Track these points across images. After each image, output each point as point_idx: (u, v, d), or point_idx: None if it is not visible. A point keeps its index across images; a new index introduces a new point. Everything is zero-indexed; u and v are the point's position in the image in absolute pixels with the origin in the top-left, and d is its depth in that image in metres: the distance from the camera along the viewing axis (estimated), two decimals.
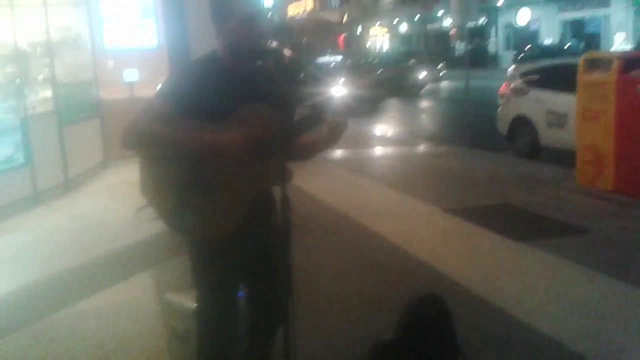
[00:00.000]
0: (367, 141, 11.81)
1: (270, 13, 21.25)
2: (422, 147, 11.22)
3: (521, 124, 9.40)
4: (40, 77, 7.45)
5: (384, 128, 14.12)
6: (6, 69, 6.89)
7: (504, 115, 9.93)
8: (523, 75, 9.83)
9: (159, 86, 2.23)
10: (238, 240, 2.18)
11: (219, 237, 2.15)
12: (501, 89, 10.29)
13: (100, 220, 6.13)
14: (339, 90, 12.24)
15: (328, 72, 19.82)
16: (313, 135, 2.31)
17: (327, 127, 2.24)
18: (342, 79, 18.06)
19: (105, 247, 5.22)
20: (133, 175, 6.24)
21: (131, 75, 8.67)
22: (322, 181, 7.70)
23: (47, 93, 7.23)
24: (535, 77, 9.36)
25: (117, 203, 6.57)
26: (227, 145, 2.02)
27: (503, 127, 9.94)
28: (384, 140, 12.20)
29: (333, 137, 2.26)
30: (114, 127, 8.21)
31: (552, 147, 8.84)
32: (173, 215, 2.14)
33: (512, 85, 9.83)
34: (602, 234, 5.46)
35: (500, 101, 10.19)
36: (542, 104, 8.82)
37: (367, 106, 17.78)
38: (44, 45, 7.41)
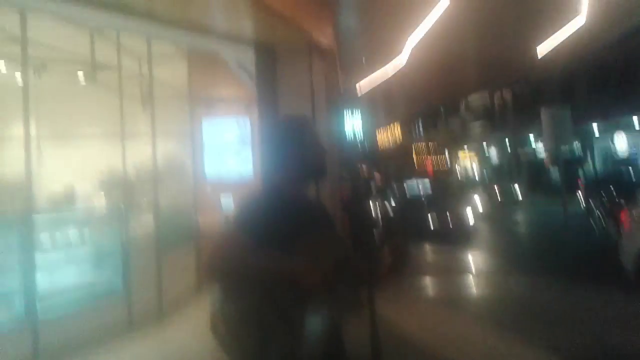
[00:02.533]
0: (455, 268, 11.38)
1: (360, 140, 21.72)
2: (512, 276, 10.59)
3: None
4: (144, 203, 7.88)
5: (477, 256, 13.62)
6: (113, 194, 7.35)
7: (629, 248, 8.84)
8: None
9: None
10: None
11: None
12: (621, 216, 9.47)
13: (196, 347, 6.08)
14: (427, 214, 12.05)
15: (416, 197, 19.57)
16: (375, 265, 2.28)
17: (388, 254, 2.22)
18: (430, 204, 17.90)
19: None
20: None
21: (227, 204, 9.00)
22: (409, 314, 7.37)
23: (149, 219, 7.58)
24: None
25: (209, 330, 6.53)
26: (305, 275, 1.99)
27: (628, 261, 8.81)
28: (474, 270, 11.71)
29: (395, 266, 2.23)
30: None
31: None
32: (254, 353, 2.06)
33: (637, 214, 8.91)
34: None
35: (621, 231, 9.28)
36: None
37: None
38: (149, 172, 7.91)
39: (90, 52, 7.46)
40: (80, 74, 7.98)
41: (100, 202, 8.57)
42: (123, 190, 7.35)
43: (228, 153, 9.66)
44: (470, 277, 10.83)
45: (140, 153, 8.25)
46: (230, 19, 6.97)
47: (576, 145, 31.76)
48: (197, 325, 6.89)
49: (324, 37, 7.90)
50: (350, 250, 2.26)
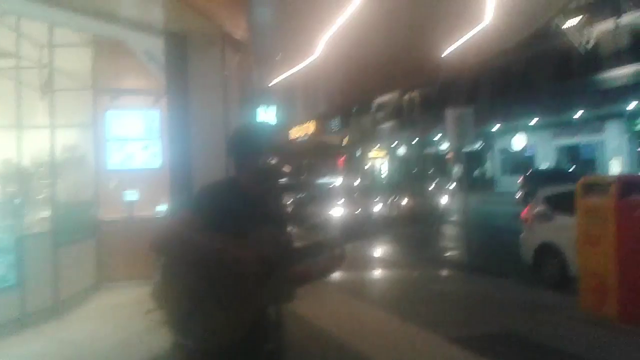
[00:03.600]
0: (367, 264, 11.67)
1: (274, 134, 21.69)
2: (423, 271, 11.03)
3: (547, 252, 8.90)
4: (40, 196, 7.50)
5: (386, 250, 14.01)
6: (7, 188, 6.94)
7: (528, 243, 9.46)
8: (547, 199, 9.47)
9: (163, 206, 2.49)
10: (236, 356, 2.30)
11: (222, 345, 2.26)
12: (523, 213, 9.96)
13: (90, 344, 5.88)
14: (338, 211, 12.38)
15: (327, 194, 19.94)
16: (311, 264, 2.49)
17: (325, 260, 2.45)
18: (342, 200, 18.26)
19: None
20: (126, 298, 6.06)
21: (131, 195, 8.73)
22: (318, 305, 7.50)
23: (46, 213, 7.23)
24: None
25: (108, 327, 6.35)
26: (245, 261, 2.22)
27: (527, 255, 9.43)
28: (387, 263, 12.05)
29: (329, 270, 2.49)
30: (110, 248, 8.22)
31: None
32: (182, 319, 2.27)
33: (535, 210, 9.47)
34: None
35: (523, 227, 9.77)
36: (570, 230, 7.67)
37: (372, 228, 17.84)
38: (47, 165, 7.52)
39: None
40: None
41: None
42: (19, 183, 6.95)
43: (134, 146, 9.36)
44: (379, 271, 11.14)
45: (38, 145, 7.84)
46: (139, 7, 6.72)
47: (479, 144, 33.36)
48: (93, 322, 6.68)
49: (238, 30, 7.80)
50: (294, 248, 2.46)
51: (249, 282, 2.24)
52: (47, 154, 7.49)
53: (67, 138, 8.39)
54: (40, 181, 7.62)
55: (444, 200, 21.77)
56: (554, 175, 23.73)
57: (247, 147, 2.49)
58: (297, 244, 2.52)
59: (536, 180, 20.99)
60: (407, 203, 20.61)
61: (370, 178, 38.68)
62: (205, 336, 2.26)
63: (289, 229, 2.62)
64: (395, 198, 21.31)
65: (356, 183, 27.54)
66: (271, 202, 2.55)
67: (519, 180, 25.06)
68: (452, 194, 23.74)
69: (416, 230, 17.03)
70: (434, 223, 18.84)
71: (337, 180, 27.20)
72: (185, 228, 2.29)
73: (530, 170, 26.55)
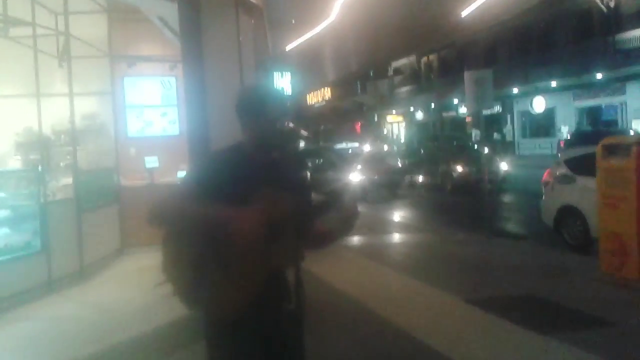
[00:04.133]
0: (385, 227, 11.73)
1: (290, 100, 21.57)
2: (441, 234, 11.05)
3: (569, 214, 8.87)
4: (62, 164, 7.60)
5: (403, 214, 14.05)
6: (30, 155, 7.04)
7: (549, 206, 9.40)
8: (568, 162, 9.38)
9: (183, 172, 2.44)
10: (251, 322, 2.28)
11: (232, 313, 2.25)
12: (544, 176, 9.89)
13: (115, 308, 6.02)
14: (356, 176, 12.35)
15: (346, 159, 19.49)
16: (327, 224, 2.43)
17: (340, 216, 2.37)
18: (359, 166, 18.20)
19: (121, 336, 5.10)
20: (149, 262, 6.15)
21: (152, 162, 8.81)
22: (338, 268, 7.58)
23: (68, 180, 7.34)
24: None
25: (132, 290, 6.48)
26: (243, 224, 2.15)
27: (548, 218, 9.39)
28: (403, 227, 12.10)
29: (346, 226, 2.39)
30: (132, 214, 8.35)
31: None
32: (189, 290, 2.26)
33: (557, 173, 9.38)
34: (626, 326, 5.24)
35: (543, 190, 9.72)
36: (591, 192, 7.63)
37: (385, 192, 17.97)
38: (68, 133, 7.60)
39: (1, 7, 7.01)
40: None
41: (16, 163, 8.21)
42: (40, 151, 7.05)
43: (153, 113, 9.41)
44: (399, 234, 11.18)
45: (58, 113, 7.91)
46: None
47: (498, 107, 32.92)
48: (117, 286, 6.82)
49: None
50: (307, 210, 2.39)
51: (253, 246, 2.19)
52: (67, 121, 7.56)
53: (86, 106, 8.45)
54: (62, 148, 7.71)
55: (503, 166, 19.07)
56: (595, 138, 23.05)
57: (251, 109, 2.41)
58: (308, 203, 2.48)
59: (578, 143, 19.75)
60: (462, 171, 18.62)
61: (390, 143, 38.43)
62: (214, 306, 2.25)
63: (308, 193, 2.54)
64: (443, 167, 19.43)
65: (377, 149, 27.25)
66: (283, 166, 2.46)
67: (561, 143, 24.16)
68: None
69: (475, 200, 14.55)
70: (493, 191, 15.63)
71: (356, 146, 26.95)
72: (183, 198, 2.26)
73: (571, 133, 25.55)
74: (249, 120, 2.41)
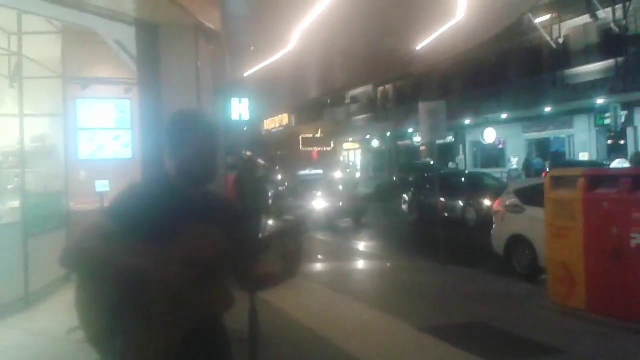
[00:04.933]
0: (341, 254, 11.73)
1: (245, 127, 21.53)
2: (396, 262, 11.13)
3: (518, 243, 9.05)
4: (10, 186, 7.37)
5: (361, 242, 14.09)
6: None
7: (499, 234, 9.58)
8: (517, 192, 9.59)
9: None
10: None
11: None
12: (494, 205, 10.08)
13: (61, 336, 5.80)
14: (318, 203, 12.07)
15: (310, 186, 19.39)
16: (268, 265, 2.27)
17: (283, 257, 2.20)
18: (320, 193, 18.12)
19: None
20: None
21: (103, 185, 8.63)
22: (291, 295, 7.52)
23: (15, 203, 7.11)
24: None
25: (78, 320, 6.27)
26: (162, 275, 1.96)
27: (498, 246, 9.57)
28: (359, 254, 12.13)
29: (289, 269, 2.22)
30: None
31: None
32: (102, 338, 2.04)
33: (507, 202, 9.57)
34: (575, 354, 5.36)
35: (494, 219, 9.89)
36: (540, 222, 7.74)
37: (350, 219, 17.98)
38: (16, 155, 7.39)
39: None
40: None
41: None
42: None
43: (104, 136, 9.24)
44: (353, 261, 11.20)
45: (7, 134, 7.69)
46: None
47: (451, 137, 33.66)
48: (63, 315, 6.58)
49: (211, 20, 7.73)
50: (244, 248, 2.22)
51: (177, 290, 1.98)
52: (16, 142, 7.35)
53: (36, 127, 8.26)
54: (9, 170, 7.48)
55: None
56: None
57: (180, 135, 2.17)
58: (250, 239, 2.27)
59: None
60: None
61: (348, 169, 38.74)
62: (131, 356, 2.01)
63: (244, 230, 2.33)
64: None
65: (341, 176, 27.32)
66: (214, 200, 2.25)
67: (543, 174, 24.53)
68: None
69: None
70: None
71: (320, 172, 26.92)
72: (98, 239, 1.99)
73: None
74: (177, 148, 2.17)
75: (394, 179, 23.52)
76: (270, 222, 8.65)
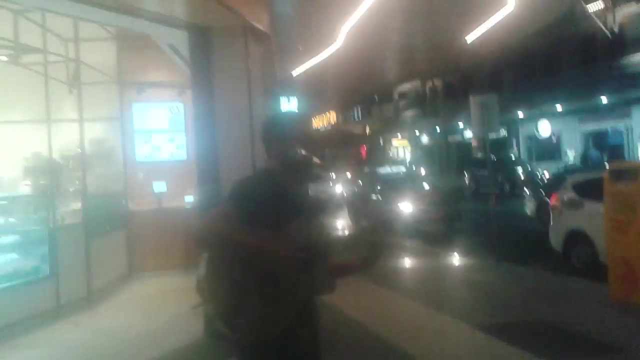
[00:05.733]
0: (397, 252, 11.65)
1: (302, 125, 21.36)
2: (453, 260, 10.97)
3: (577, 239, 8.81)
4: (72, 189, 7.66)
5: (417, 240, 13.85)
6: (39, 180, 7.10)
7: (557, 230, 9.33)
8: (575, 186, 9.34)
9: (190, 197, 2.42)
10: (279, 346, 2.32)
11: (268, 337, 2.29)
12: (552, 201, 9.84)
13: (124, 333, 6.01)
14: (406, 206, 11.09)
15: (394, 186, 16.34)
16: (351, 256, 2.49)
17: (365, 249, 2.41)
18: (406, 193, 15.36)
19: None
20: (157, 287, 6.17)
21: (160, 186, 8.86)
22: (350, 295, 7.53)
23: (77, 205, 7.39)
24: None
25: (141, 316, 6.48)
26: (284, 255, 2.23)
27: (557, 242, 9.33)
28: (416, 252, 12.01)
29: (369, 261, 2.44)
30: (140, 239, 8.38)
31: None
32: (228, 314, 2.30)
33: (565, 198, 9.32)
34: (637, 353, 5.18)
35: (551, 215, 9.63)
36: (600, 217, 7.48)
37: (441, 226, 15.05)
38: (76, 158, 7.67)
39: (13, 34, 7.14)
40: (2, 57, 7.62)
41: (26, 189, 8.28)
42: (49, 177, 7.11)
43: (160, 138, 9.48)
44: (409, 260, 11.12)
45: (67, 138, 7.99)
46: (162, 0, 6.80)
47: (504, 131, 32.96)
48: (125, 312, 6.81)
49: (260, 22, 7.83)
50: (334, 239, 2.42)
51: (290, 275, 2.25)
52: (76, 146, 7.64)
53: (94, 131, 8.55)
54: (70, 174, 7.78)
55: None
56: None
57: (281, 136, 2.45)
58: (338, 235, 2.49)
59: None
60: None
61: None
62: (251, 330, 2.27)
63: (323, 219, 2.56)
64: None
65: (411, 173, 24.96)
66: (305, 192, 2.52)
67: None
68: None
69: None
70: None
71: (401, 170, 24.56)
72: (227, 223, 2.26)
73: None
74: (277, 148, 2.44)
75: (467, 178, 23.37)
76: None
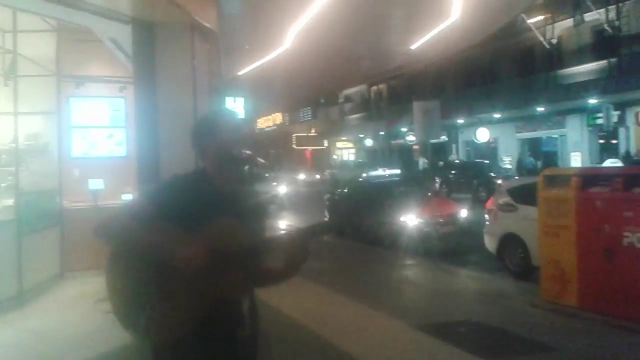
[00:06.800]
0: (336, 252, 11.73)
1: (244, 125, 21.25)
2: (393, 260, 11.12)
3: (511, 242, 9.06)
4: (4, 184, 7.35)
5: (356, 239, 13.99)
6: None
7: (492, 233, 9.61)
8: (510, 191, 9.63)
9: (128, 195, 2.34)
10: (196, 349, 2.21)
11: (169, 339, 2.19)
12: (487, 204, 10.14)
13: (55, 334, 5.82)
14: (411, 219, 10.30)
15: (386, 193, 14.02)
16: (275, 263, 2.41)
17: (288, 257, 2.34)
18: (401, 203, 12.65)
19: None
20: (90, 287, 5.99)
21: (96, 184, 8.61)
22: (288, 294, 7.53)
23: (9, 201, 7.10)
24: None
25: (73, 316, 6.28)
26: (186, 259, 2.11)
27: (491, 245, 9.58)
28: (360, 253, 12.11)
29: (291, 268, 2.38)
30: (75, 237, 8.10)
31: None
32: (127, 312, 2.20)
33: (500, 202, 9.61)
34: (567, 352, 5.41)
35: (487, 218, 9.94)
36: (533, 221, 7.75)
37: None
38: (9, 153, 7.37)
39: None
40: None
41: None
42: None
43: (98, 135, 9.23)
44: (347, 259, 11.22)
45: (1, 132, 7.68)
46: None
47: (444, 137, 33.74)
48: (57, 312, 6.59)
49: (207, 19, 7.74)
50: (258, 241, 2.36)
51: (198, 276, 2.13)
52: (10, 141, 7.34)
53: (30, 125, 8.23)
54: (3, 169, 7.46)
55: None
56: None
57: (213, 136, 2.36)
58: (264, 236, 2.43)
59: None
60: None
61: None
62: (150, 330, 2.17)
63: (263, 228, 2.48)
64: None
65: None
66: (242, 193, 2.41)
67: None
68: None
69: None
70: None
71: (395, 173, 22.67)
72: (133, 218, 2.19)
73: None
74: (209, 148, 2.37)
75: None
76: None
